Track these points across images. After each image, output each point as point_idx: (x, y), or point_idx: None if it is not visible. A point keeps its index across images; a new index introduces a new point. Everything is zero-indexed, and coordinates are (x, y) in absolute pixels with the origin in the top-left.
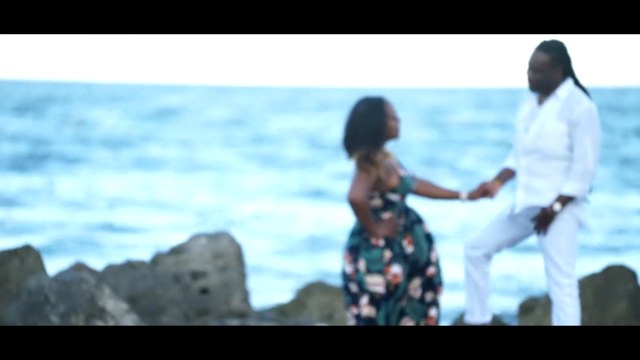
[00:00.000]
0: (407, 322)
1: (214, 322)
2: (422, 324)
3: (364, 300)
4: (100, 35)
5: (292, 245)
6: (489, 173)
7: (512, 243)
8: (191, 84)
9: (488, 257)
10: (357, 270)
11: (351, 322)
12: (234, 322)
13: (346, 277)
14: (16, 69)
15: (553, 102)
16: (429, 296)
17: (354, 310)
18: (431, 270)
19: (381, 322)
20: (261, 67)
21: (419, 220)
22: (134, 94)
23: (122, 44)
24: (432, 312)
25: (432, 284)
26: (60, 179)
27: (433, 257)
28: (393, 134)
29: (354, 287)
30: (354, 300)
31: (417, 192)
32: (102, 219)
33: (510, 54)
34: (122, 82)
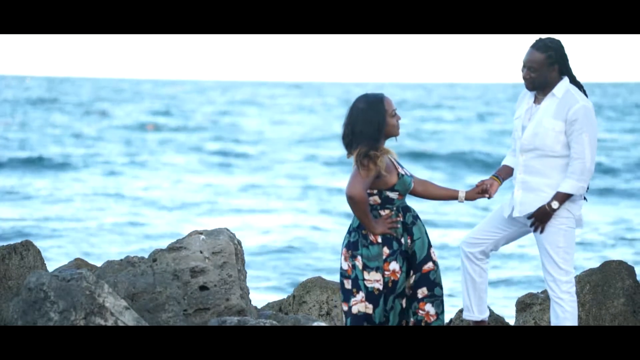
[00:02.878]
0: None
1: (213, 319)
2: (413, 321)
3: (360, 296)
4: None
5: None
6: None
7: (509, 240)
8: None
9: (485, 254)
10: (353, 267)
11: (342, 318)
12: (233, 319)
13: (342, 274)
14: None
15: (550, 101)
16: (421, 292)
17: (344, 307)
18: (429, 265)
19: (377, 319)
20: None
21: (418, 217)
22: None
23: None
24: (428, 307)
25: (428, 280)
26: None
27: (433, 253)
28: (393, 132)
29: (348, 284)
30: (346, 297)
31: (416, 191)
32: None
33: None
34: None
